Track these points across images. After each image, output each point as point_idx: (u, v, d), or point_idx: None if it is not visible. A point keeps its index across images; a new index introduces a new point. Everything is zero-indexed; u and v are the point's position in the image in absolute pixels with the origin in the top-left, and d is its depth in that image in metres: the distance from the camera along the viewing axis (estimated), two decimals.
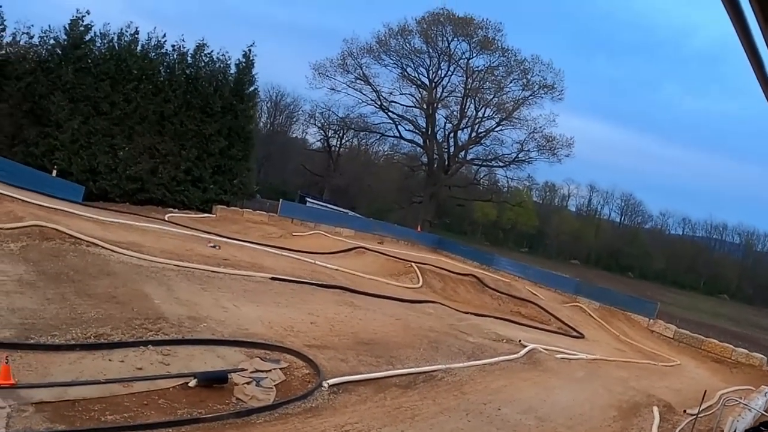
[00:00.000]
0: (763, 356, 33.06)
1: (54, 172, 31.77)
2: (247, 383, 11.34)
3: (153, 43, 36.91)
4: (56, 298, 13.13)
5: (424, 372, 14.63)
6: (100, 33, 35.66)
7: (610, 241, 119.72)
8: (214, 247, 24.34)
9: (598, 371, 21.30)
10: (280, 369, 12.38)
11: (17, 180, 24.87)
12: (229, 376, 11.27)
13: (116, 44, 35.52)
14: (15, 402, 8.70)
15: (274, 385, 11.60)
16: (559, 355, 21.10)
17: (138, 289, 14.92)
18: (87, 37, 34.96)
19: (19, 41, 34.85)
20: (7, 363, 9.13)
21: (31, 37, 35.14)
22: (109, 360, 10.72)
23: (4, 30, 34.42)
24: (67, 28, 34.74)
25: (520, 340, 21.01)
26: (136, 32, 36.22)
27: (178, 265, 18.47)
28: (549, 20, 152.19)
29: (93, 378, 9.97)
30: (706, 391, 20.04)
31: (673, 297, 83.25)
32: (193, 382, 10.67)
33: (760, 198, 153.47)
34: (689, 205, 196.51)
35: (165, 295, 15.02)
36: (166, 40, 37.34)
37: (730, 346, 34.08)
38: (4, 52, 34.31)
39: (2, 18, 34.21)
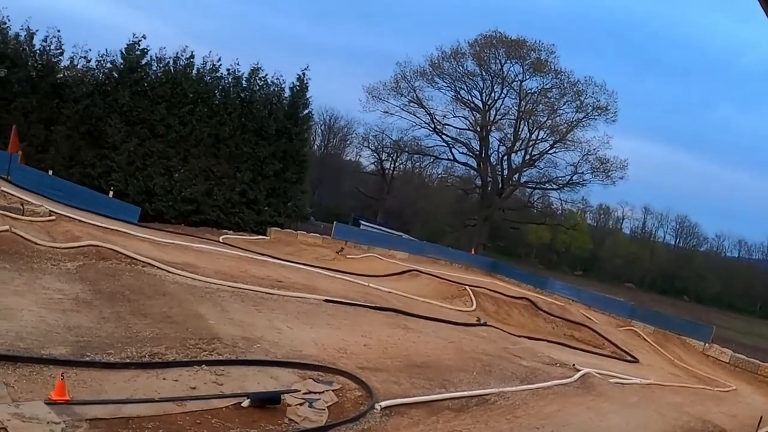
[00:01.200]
0: None
1: (111, 193, 32.13)
2: (300, 404, 11.31)
3: (208, 67, 37.36)
4: (112, 317, 13.23)
5: (477, 395, 14.51)
6: (156, 57, 36.24)
7: (665, 264, 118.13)
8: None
9: (652, 396, 21.01)
10: (333, 391, 12.34)
11: (74, 200, 25.12)
12: (282, 397, 11.25)
13: (172, 68, 36.01)
14: (69, 418, 8.74)
15: (327, 407, 11.56)
16: (612, 380, 20.84)
17: (192, 310, 14.99)
18: (143, 61, 35.52)
19: (77, 65, 35.52)
20: (62, 379, 9.19)
21: (89, 61, 35.82)
22: (163, 379, 10.77)
23: (62, 54, 35.16)
24: (124, 52, 35.30)
25: (573, 364, 20.80)
26: (192, 56, 36.74)
27: (233, 287, 18.53)
28: (600, 41, 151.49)
29: (147, 396, 10.00)
30: (762, 417, 19.71)
31: (728, 321, 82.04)
32: (246, 403, 10.66)
33: None
34: (746, 228, 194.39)
35: (219, 316, 15.08)
36: (221, 64, 37.80)
37: None
38: (62, 75, 34.97)
39: (60, 42, 34.92)
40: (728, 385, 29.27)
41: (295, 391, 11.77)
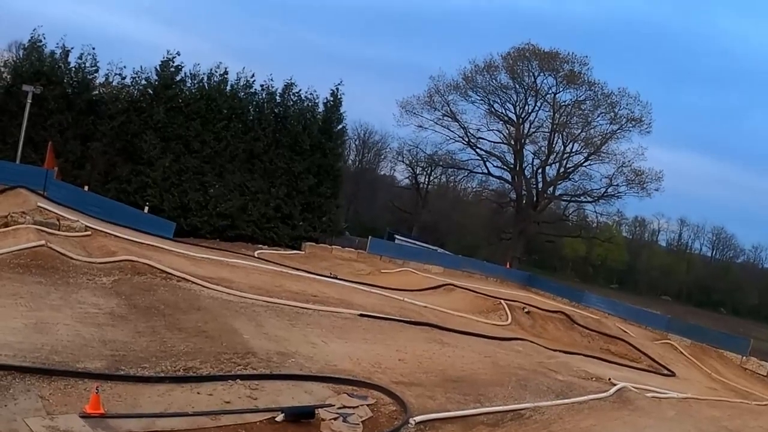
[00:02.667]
0: None
1: (146, 209, 32.31)
2: (334, 419, 11.27)
3: (242, 83, 37.65)
4: (147, 331, 13.27)
5: (512, 410, 14.39)
6: (191, 73, 36.57)
7: (702, 277, 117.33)
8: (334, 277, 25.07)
9: (690, 410, 20.79)
10: (368, 405, 12.29)
11: (110, 216, 25.30)
12: (316, 412, 11.21)
13: (206, 84, 36.28)
14: (103, 431, 8.76)
15: (361, 422, 11.50)
16: (649, 394, 20.63)
17: (227, 324, 15.00)
18: (177, 78, 35.82)
19: (112, 82, 35.85)
20: (97, 393, 9.22)
21: (124, 78, 36.23)
22: (198, 393, 10.76)
23: (97, 71, 35.54)
24: (158, 69, 35.64)
25: (609, 378, 20.61)
26: (225, 72, 37.00)
27: (267, 301, 18.55)
28: (634, 53, 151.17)
29: (181, 410, 10.00)
30: None
31: (766, 333, 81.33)
32: (280, 417, 10.63)
33: None
34: None
35: (254, 331, 15.08)
36: (254, 80, 38.05)
37: None
38: (97, 92, 35.30)
39: (95, 59, 35.29)
40: (766, 398, 28.94)
41: (330, 405, 11.73)
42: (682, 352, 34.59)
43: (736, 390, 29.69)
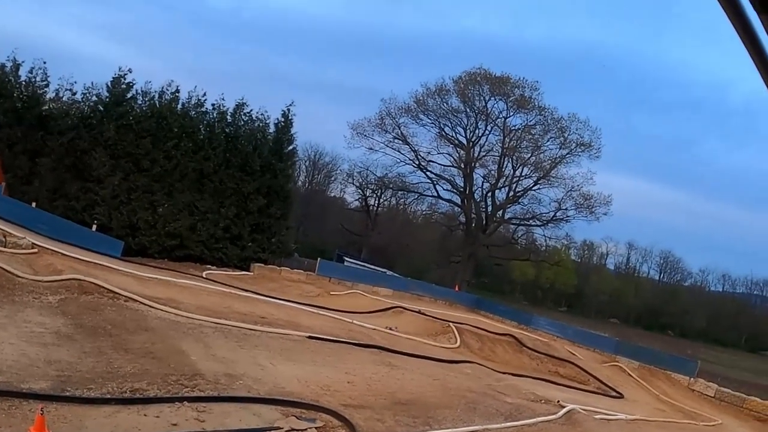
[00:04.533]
0: None
1: (94, 227, 31.98)
2: None
3: (193, 102, 37.36)
4: (93, 351, 13.13)
5: None
6: (142, 91, 36.16)
7: (650, 300, 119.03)
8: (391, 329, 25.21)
9: None
10: (316, 428, 12.23)
11: (58, 233, 25.07)
12: None
13: (157, 102, 35.95)
14: None
15: None
16: (598, 416, 20.75)
17: (175, 345, 14.90)
18: (129, 95, 35.42)
19: (62, 97, 35.45)
20: (42, 414, 9.08)
21: (74, 94, 35.82)
22: (144, 415, 10.65)
23: (47, 86, 35.11)
24: (110, 86, 35.23)
25: (558, 401, 20.72)
26: (177, 90, 36.69)
27: (216, 322, 18.45)
28: (586, 79, 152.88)
29: None
30: None
31: (714, 355, 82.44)
32: None
33: None
34: (730, 262, 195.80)
35: (202, 352, 14.98)
36: (206, 99, 37.76)
37: None
38: (47, 107, 34.89)
39: (46, 74, 34.92)
40: (714, 419, 29.20)
41: (278, 428, 11.66)
42: (630, 374, 34.83)
43: (684, 411, 29.93)
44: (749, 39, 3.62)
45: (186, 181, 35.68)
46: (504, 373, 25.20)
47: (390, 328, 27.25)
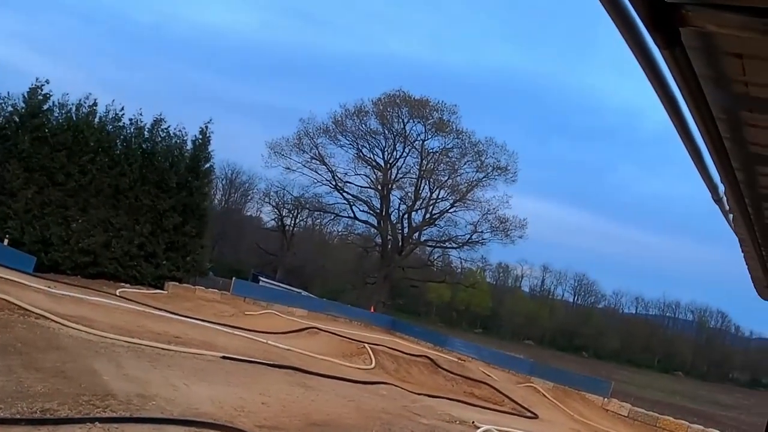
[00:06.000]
0: None
1: (5, 241, 31.38)
2: None
3: (111, 116, 36.82)
4: (2, 370, 12.85)
5: None
6: (59, 103, 35.51)
7: (564, 321, 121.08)
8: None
9: None
10: None
11: None
12: None
13: (74, 115, 35.39)
14: None
15: None
16: None
17: (87, 365, 14.65)
18: (45, 107, 34.79)
19: None
20: None
21: None
22: None
23: None
24: (26, 97, 34.57)
25: (473, 422, 20.84)
26: (95, 104, 36.14)
27: (129, 341, 18.20)
28: (505, 104, 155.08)
29: None
30: None
31: (628, 375, 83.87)
32: None
33: (712, 276, 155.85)
34: (643, 285, 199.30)
35: (114, 372, 14.74)
36: (123, 113, 37.26)
37: (686, 422, 34.07)
38: None
39: None
40: None
41: None
42: (545, 395, 35.17)
43: (598, 431, 30.33)
44: (653, 73, 3.71)
45: (101, 197, 35.11)
46: (419, 394, 25.25)
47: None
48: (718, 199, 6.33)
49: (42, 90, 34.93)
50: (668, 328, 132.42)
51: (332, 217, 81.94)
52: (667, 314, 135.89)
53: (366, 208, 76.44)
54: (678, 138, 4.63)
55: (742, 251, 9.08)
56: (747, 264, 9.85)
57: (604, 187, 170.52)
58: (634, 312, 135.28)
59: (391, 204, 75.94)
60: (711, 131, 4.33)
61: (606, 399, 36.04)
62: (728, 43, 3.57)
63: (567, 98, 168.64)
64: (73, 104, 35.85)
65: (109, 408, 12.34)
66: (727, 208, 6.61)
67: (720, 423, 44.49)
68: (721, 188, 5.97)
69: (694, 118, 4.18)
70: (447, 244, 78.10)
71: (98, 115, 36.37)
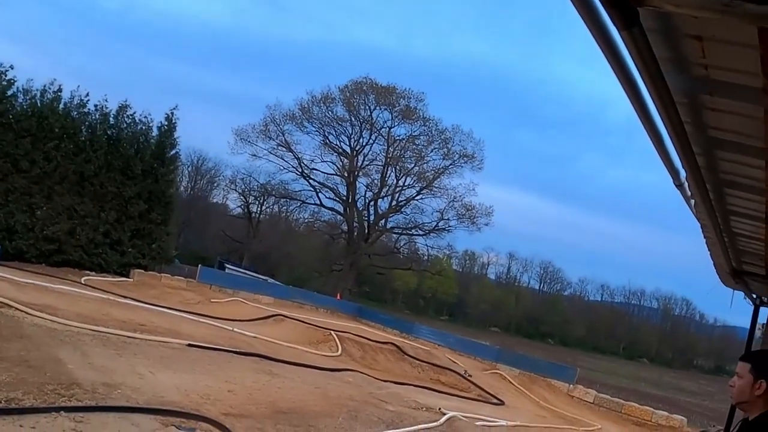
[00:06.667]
0: (683, 418, 33.57)
1: None
2: None
3: (76, 102, 36.47)
4: None
5: None
6: (23, 89, 35.12)
7: (530, 309, 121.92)
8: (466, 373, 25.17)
9: None
10: None
11: None
12: None
13: (39, 101, 35.02)
14: None
15: None
16: (479, 423, 21.05)
17: (52, 354, 14.57)
18: (9, 92, 34.40)
19: None
20: None
21: None
22: (20, 426, 10.37)
23: None
24: None
25: (439, 408, 20.90)
26: (60, 90, 35.73)
27: (94, 330, 18.11)
28: (472, 93, 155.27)
29: None
30: None
31: (593, 362, 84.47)
32: None
33: (676, 264, 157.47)
34: (608, 272, 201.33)
35: (79, 360, 14.67)
36: (89, 99, 36.87)
37: (650, 408, 34.43)
38: None
39: None
40: (593, 424, 29.87)
41: None
42: (511, 382, 35.36)
43: (564, 417, 30.54)
44: (613, 56, 3.73)
45: (66, 184, 34.83)
46: (386, 381, 25.32)
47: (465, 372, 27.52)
48: (679, 185, 6.36)
49: (6, 76, 34.53)
50: (633, 315, 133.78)
51: (298, 204, 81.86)
52: (632, 302, 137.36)
53: (332, 195, 76.51)
54: (639, 123, 4.65)
55: (705, 237, 9.15)
56: (709, 250, 9.94)
57: (570, 176, 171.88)
58: (599, 299, 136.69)
59: (357, 191, 76.09)
60: (672, 116, 4.34)
61: (572, 385, 36.31)
62: (687, 25, 3.59)
63: (534, 88, 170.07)
64: (37, 90, 35.49)
65: (75, 397, 12.29)
66: (689, 194, 6.63)
67: (684, 409, 44.95)
68: (683, 174, 5.99)
69: (654, 102, 4.18)
70: (413, 231, 78.32)
71: (63, 101, 36.01)
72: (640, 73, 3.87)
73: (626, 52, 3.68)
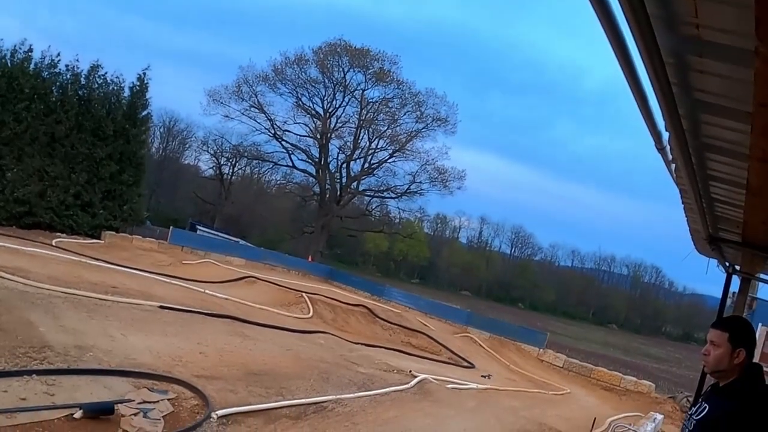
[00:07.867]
0: (651, 383, 34.07)
1: None
2: (134, 414, 11.11)
3: (46, 62, 36.15)
4: None
5: (315, 403, 14.52)
6: None
7: (501, 273, 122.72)
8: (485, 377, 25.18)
9: (489, 401, 21.46)
10: (168, 400, 12.16)
11: None
12: (116, 407, 11.01)
13: (9, 62, 34.69)
14: None
15: (162, 417, 11.37)
16: (450, 385, 21.24)
17: (23, 317, 14.55)
18: None
19: None
20: None
21: None
22: None
23: None
24: None
25: (410, 371, 21.07)
26: (30, 50, 35.39)
27: (65, 292, 18.09)
28: (445, 56, 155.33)
29: None
30: (595, 418, 20.49)
31: (563, 327, 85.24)
32: (78, 414, 10.39)
33: (647, 231, 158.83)
34: (579, 239, 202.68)
35: (51, 323, 14.66)
36: (60, 59, 36.55)
37: (619, 374, 34.95)
38: None
39: None
40: (563, 388, 30.24)
41: (129, 401, 11.56)
42: (481, 345, 35.68)
43: (534, 381, 30.90)
44: (604, 12, 3.72)
45: (36, 146, 34.60)
46: (357, 343, 25.52)
47: (485, 376, 27.63)
48: (661, 148, 6.39)
49: None
50: (603, 281, 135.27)
51: (271, 165, 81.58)
52: (603, 268, 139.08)
53: (305, 157, 76.30)
54: (625, 84, 4.64)
55: (683, 203, 9.22)
56: (687, 216, 10.02)
57: (543, 142, 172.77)
58: (569, 265, 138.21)
59: (329, 153, 75.95)
60: (659, 76, 4.33)
61: (541, 350, 36.72)
62: None
63: (507, 54, 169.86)
64: (7, 50, 35.15)
65: (47, 360, 12.32)
66: (670, 157, 6.67)
67: (652, 375, 45.49)
68: (665, 137, 6.03)
69: (643, 61, 4.18)
70: (385, 194, 78.32)
71: (33, 61, 35.68)
72: (630, 31, 3.86)
73: (619, 9, 3.66)
